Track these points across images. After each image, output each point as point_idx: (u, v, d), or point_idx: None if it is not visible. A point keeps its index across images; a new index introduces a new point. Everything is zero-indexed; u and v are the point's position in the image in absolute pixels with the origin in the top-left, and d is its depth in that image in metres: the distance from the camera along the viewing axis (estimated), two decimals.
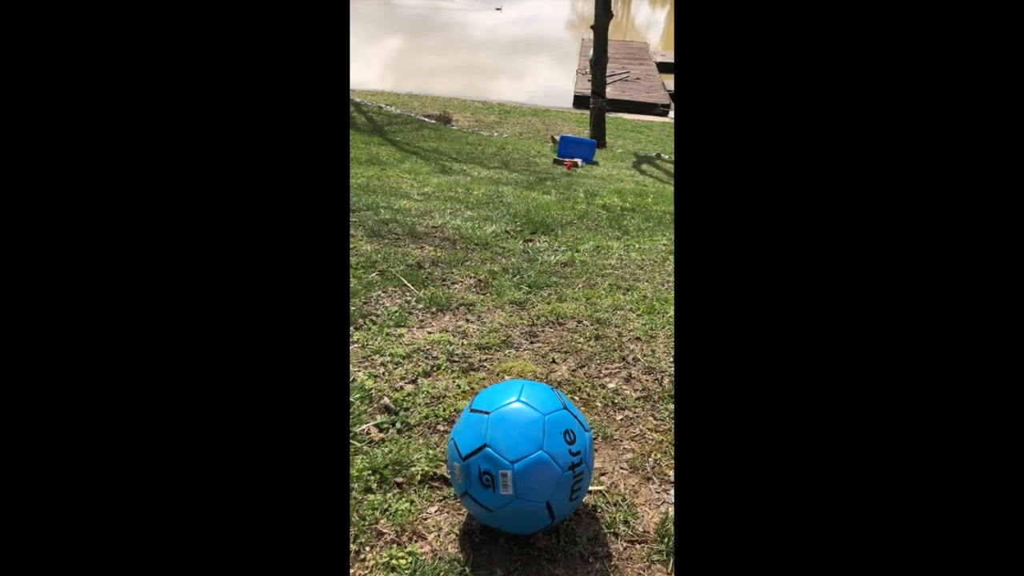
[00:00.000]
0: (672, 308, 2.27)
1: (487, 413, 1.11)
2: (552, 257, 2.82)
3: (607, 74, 9.05)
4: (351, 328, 1.91)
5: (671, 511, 1.26)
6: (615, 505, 1.27)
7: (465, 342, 1.87)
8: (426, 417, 1.49)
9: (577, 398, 1.63)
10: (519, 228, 3.36)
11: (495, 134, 9.72)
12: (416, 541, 1.15)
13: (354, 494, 1.24)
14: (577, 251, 2.98)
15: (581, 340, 1.95)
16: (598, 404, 1.61)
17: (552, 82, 14.28)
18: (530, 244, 3.07)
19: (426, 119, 9.85)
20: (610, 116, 10.24)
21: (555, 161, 7.06)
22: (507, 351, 1.85)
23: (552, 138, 9.05)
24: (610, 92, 11.03)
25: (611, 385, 1.69)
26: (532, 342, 1.92)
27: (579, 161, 6.92)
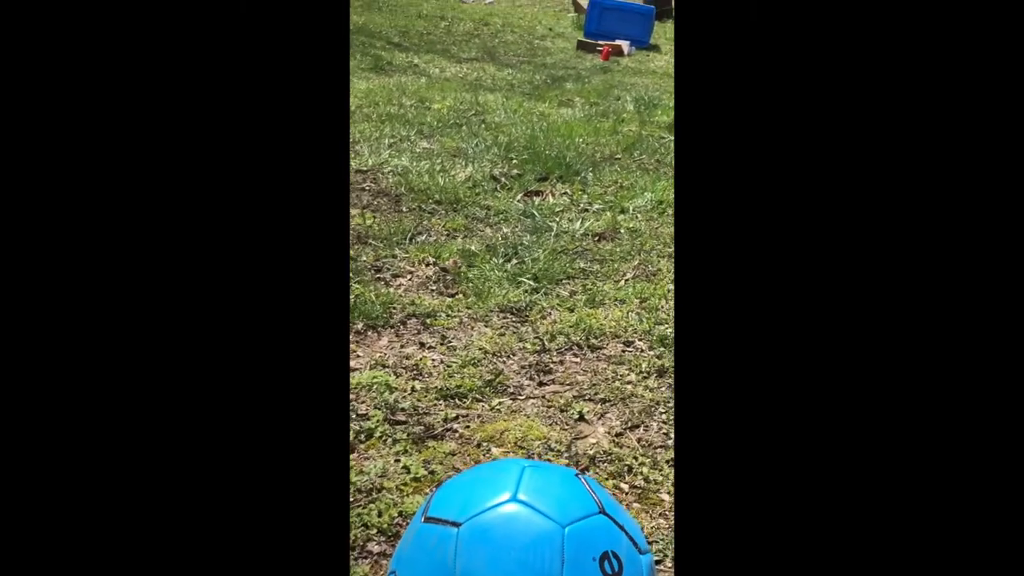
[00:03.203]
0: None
1: (456, 524, 1.08)
2: (577, 224, 2.83)
3: None
4: None
5: None
6: None
7: (418, 386, 1.88)
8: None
9: (625, 487, 1.62)
10: (516, 171, 3.36)
11: None
12: None
13: None
14: (623, 211, 2.99)
15: (633, 377, 1.96)
16: (665, 498, 1.59)
17: None
18: (537, 200, 3.08)
19: None
20: None
21: (580, 44, 7.07)
22: (496, 400, 1.85)
23: (575, 3, 9.03)
24: None
25: None
26: (541, 383, 1.93)
27: (624, 45, 6.92)
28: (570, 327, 2.14)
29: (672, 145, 3.81)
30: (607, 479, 1.62)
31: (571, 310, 2.24)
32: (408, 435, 1.71)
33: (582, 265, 2.51)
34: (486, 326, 2.14)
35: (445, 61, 5.96)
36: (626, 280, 2.43)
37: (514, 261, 2.51)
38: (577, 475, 1.18)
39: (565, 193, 3.15)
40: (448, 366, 1.96)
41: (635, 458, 1.69)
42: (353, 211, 2.81)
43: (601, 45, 6.81)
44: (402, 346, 2.04)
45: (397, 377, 1.90)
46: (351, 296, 2.22)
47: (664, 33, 7.93)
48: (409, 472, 1.60)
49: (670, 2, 8.94)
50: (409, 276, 2.41)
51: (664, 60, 6.80)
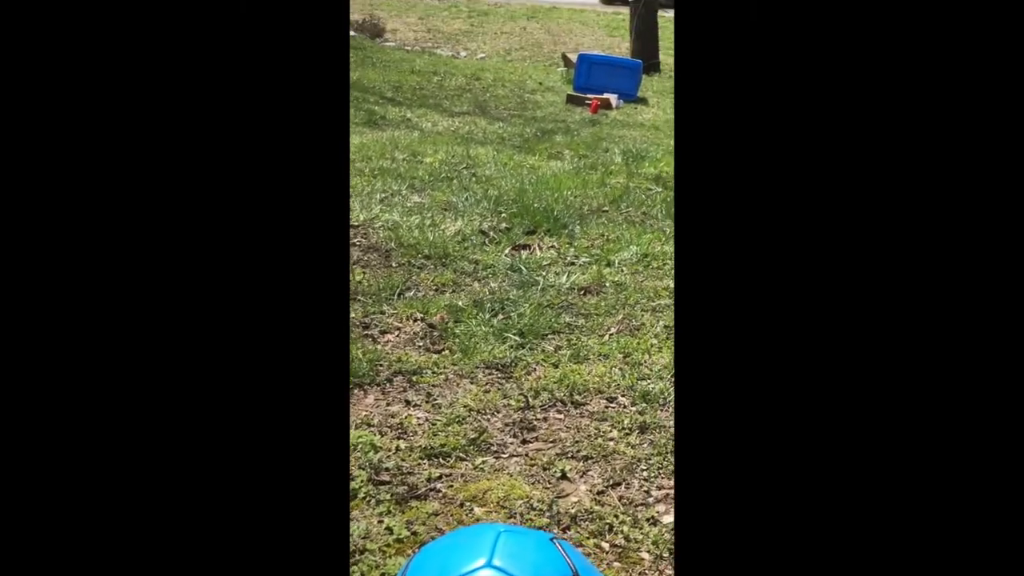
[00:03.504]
0: None
1: None
2: (563, 278, 2.84)
3: None
4: None
5: None
6: None
7: (403, 445, 1.88)
8: None
9: (606, 546, 1.61)
10: (505, 224, 3.38)
11: (462, 54, 9.83)
12: None
13: None
14: (609, 264, 3.01)
15: (615, 434, 1.95)
16: (645, 556, 1.59)
17: None
18: (524, 253, 3.10)
19: None
20: (666, 15, 10.38)
21: (569, 98, 7.13)
22: (479, 459, 1.85)
23: (564, 58, 9.14)
24: None
25: (668, 519, 1.68)
26: (524, 440, 1.93)
27: (613, 99, 7.00)
28: (554, 383, 2.15)
29: (658, 197, 3.85)
30: (588, 538, 1.62)
31: (555, 365, 2.25)
32: (392, 495, 1.71)
33: (567, 320, 2.53)
34: (471, 383, 2.15)
35: (437, 115, 6.02)
36: (610, 335, 2.44)
37: (500, 316, 2.52)
38: (552, 539, 1.17)
39: (552, 247, 3.17)
40: (433, 424, 1.96)
41: (616, 516, 1.68)
42: None
43: (590, 99, 6.87)
44: (388, 404, 2.04)
45: (382, 436, 1.90)
46: None
47: (651, 86, 8.02)
48: (392, 533, 1.60)
49: (657, 56, 9.07)
50: (397, 332, 2.41)
51: (651, 112, 6.87)
